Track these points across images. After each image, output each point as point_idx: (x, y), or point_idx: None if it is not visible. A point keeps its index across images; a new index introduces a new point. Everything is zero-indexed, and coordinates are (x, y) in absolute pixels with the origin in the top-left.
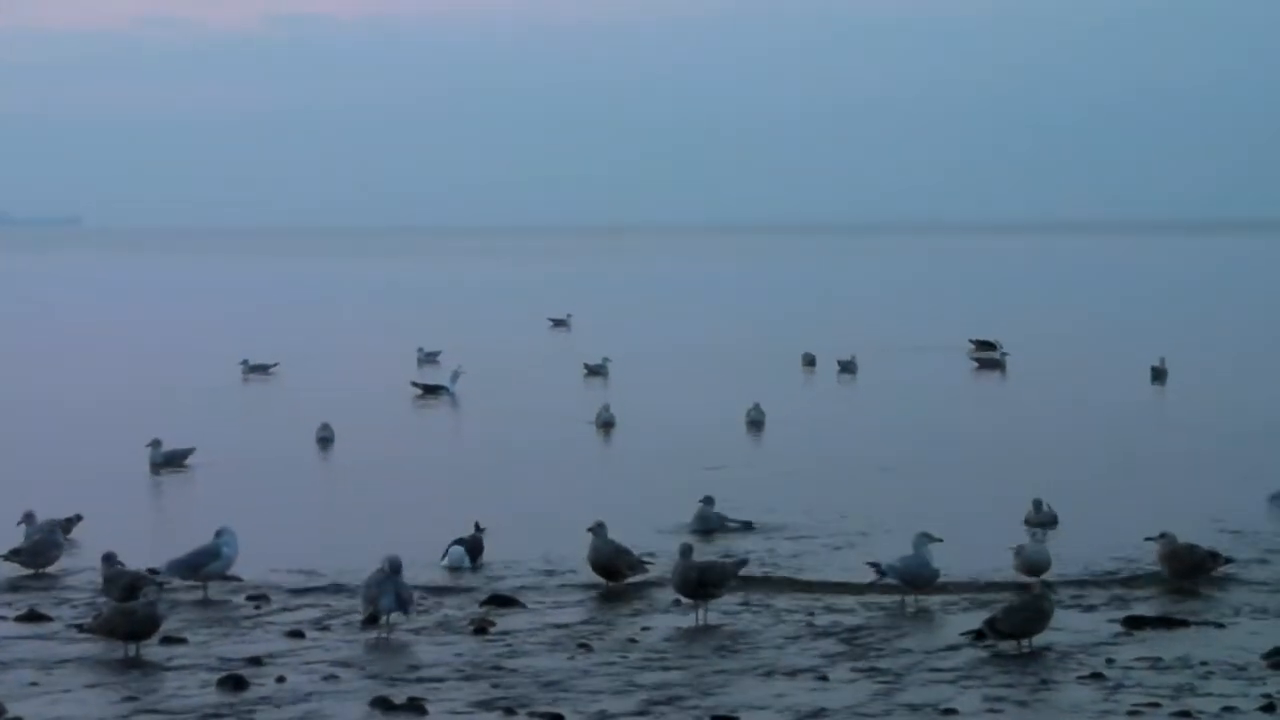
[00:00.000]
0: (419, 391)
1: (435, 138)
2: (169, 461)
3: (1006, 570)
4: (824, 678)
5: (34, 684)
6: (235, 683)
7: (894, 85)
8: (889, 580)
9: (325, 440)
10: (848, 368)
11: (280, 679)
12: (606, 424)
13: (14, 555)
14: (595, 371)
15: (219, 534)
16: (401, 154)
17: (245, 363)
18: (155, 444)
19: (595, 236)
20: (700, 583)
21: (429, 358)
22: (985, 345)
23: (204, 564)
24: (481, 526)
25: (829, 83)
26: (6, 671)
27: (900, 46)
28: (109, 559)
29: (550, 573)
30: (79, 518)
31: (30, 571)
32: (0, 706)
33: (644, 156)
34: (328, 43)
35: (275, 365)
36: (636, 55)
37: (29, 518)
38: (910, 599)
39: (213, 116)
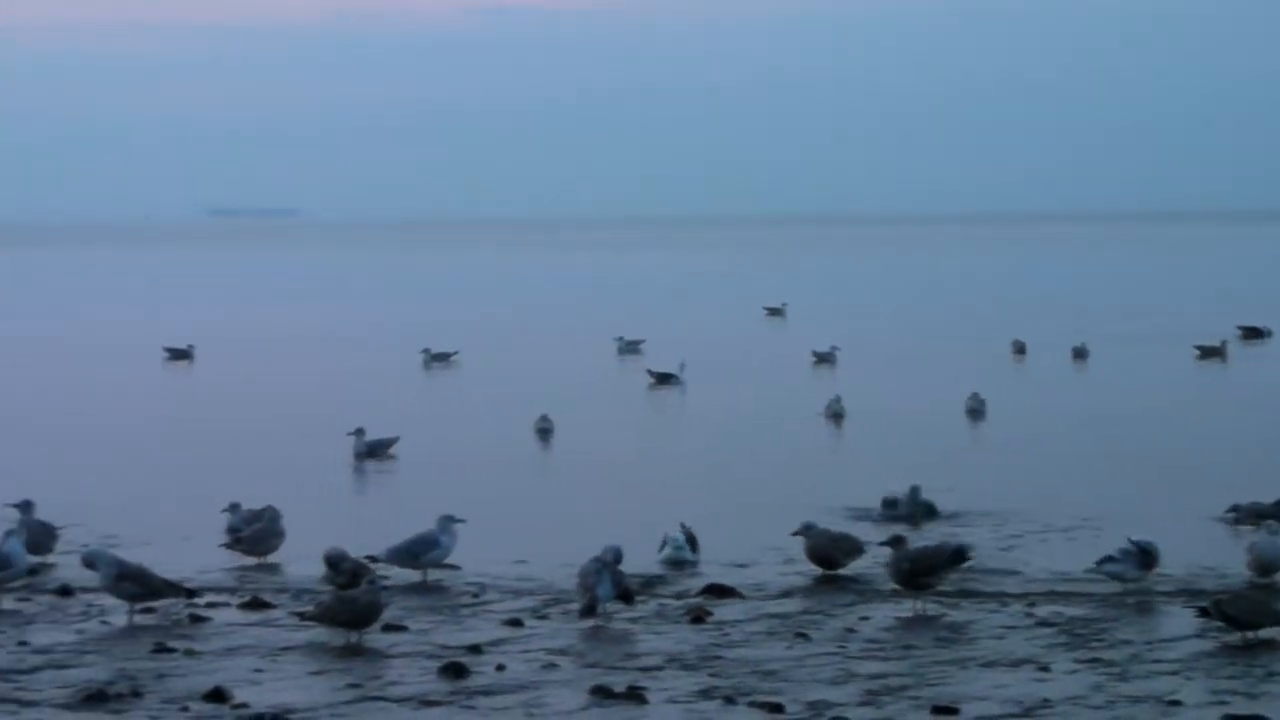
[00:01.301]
0: (653, 380)
1: (630, 129)
2: (372, 451)
3: (1236, 569)
4: (1045, 668)
5: (258, 671)
6: (456, 670)
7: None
8: (1113, 571)
9: (545, 431)
10: (1080, 353)
11: (500, 667)
12: (836, 415)
13: (236, 544)
14: (824, 359)
15: (440, 522)
16: (598, 145)
17: (427, 351)
18: (359, 433)
19: (805, 225)
20: (912, 573)
21: (630, 347)
22: (1253, 332)
23: (423, 552)
24: (687, 526)
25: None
26: (231, 658)
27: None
28: (332, 551)
29: (768, 562)
30: (271, 509)
31: (252, 560)
32: (227, 693)
33: (841, 144)
34: (532, 33)
35: (455, 354)
36: (839, 45)
37: (234, 507)
38: (1132, 587)
39: (420, 108)
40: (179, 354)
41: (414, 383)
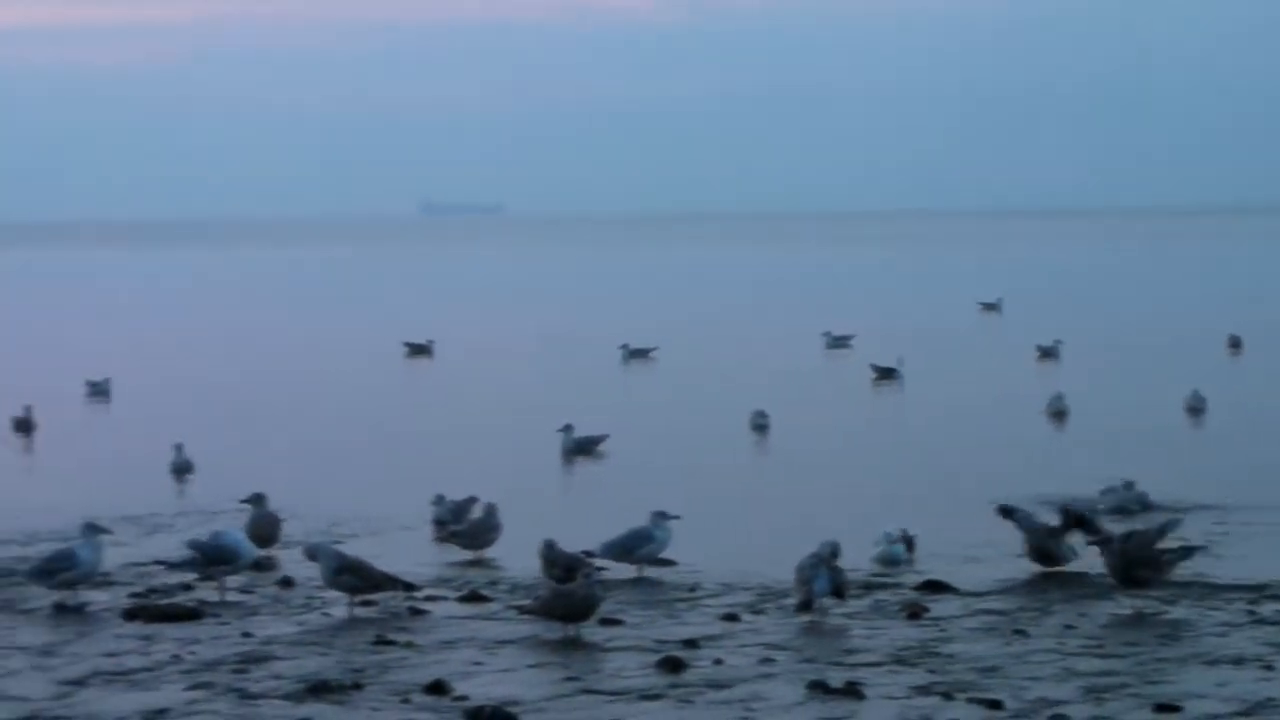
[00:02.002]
0: (874, 375)
1: (837, 123)
2: (581, 448)
3: None
4: (1269, 667)
5: (477, 663)
6: (673, 664)
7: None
8: None
9: (761, 427)
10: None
11: (717, 661)
12: (1059, 413)
13: (453, 537)
14: (1048, 354)
15: (653, 518)
16: (800, 140)
17: (625, 347)
18: (567, 429)
19: (1006, 219)
20: (1126, 570)
21: (838, 342)
22: None
23: (637, 547)
24: (906, 531)
25: None
26: (451, 651)
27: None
28: (548, 544)
29: (985, 558)
30: (474, 499)
31: (470, 554)
32: (447, 685)
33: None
34: (731, 26)
35: (654, 350)
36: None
37: (440, 499)
38: None
39: (624, 104)
40: (418, 349)
41: (614, 379)
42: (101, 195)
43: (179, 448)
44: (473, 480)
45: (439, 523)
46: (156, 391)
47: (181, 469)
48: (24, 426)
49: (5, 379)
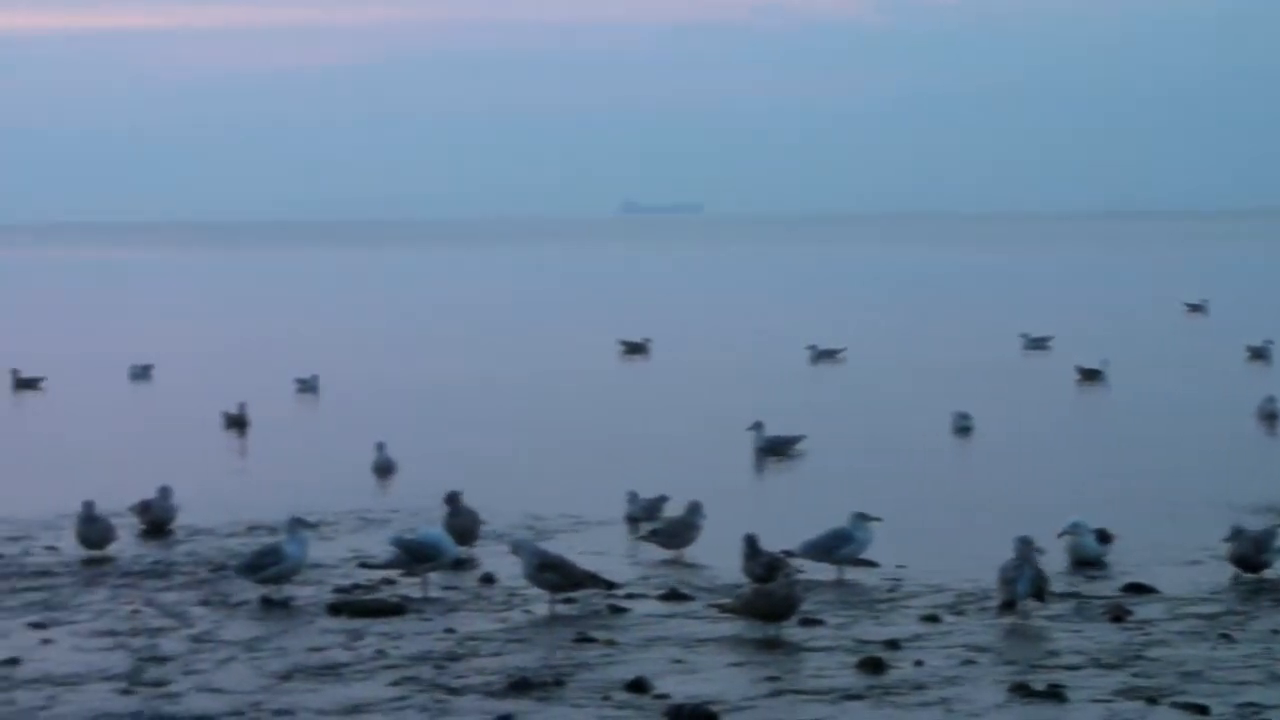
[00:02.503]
0: (1079, 376)
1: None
2: (774, 448)
3: None
4: None
5: (678, 661)
6: (874, 665)
7: None
8: None
9: (964, 429)
10: None
11: (918, 662)
12: (1270, 415)
13: (653, 536)
14: (1259, 355)
15: (853, 519)
16: (1000, 140)
17: (813, 348)
18: (758, 427)
19: (1210, 220)
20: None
21: (1036, 344)
22: None
23: (838, 547)
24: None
25: None
26: (651, 649)
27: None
28: (750, 540)
29: (1190, 561)
30: (665, 498)
31: (669, 553)
32: (648, 683)
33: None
34: (930, 27)
35: (843, 351)
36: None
37: (633, 496)
38: None
39: (823, 104)
40: (635, 348)
41: (801, 379)
42: (301, 196)
43: (381, 446)
44: (668, 478)
45: (632, 520)
46: (364, 388)
47: (383, 468)
48: (237, 423)
49: (220, 376)
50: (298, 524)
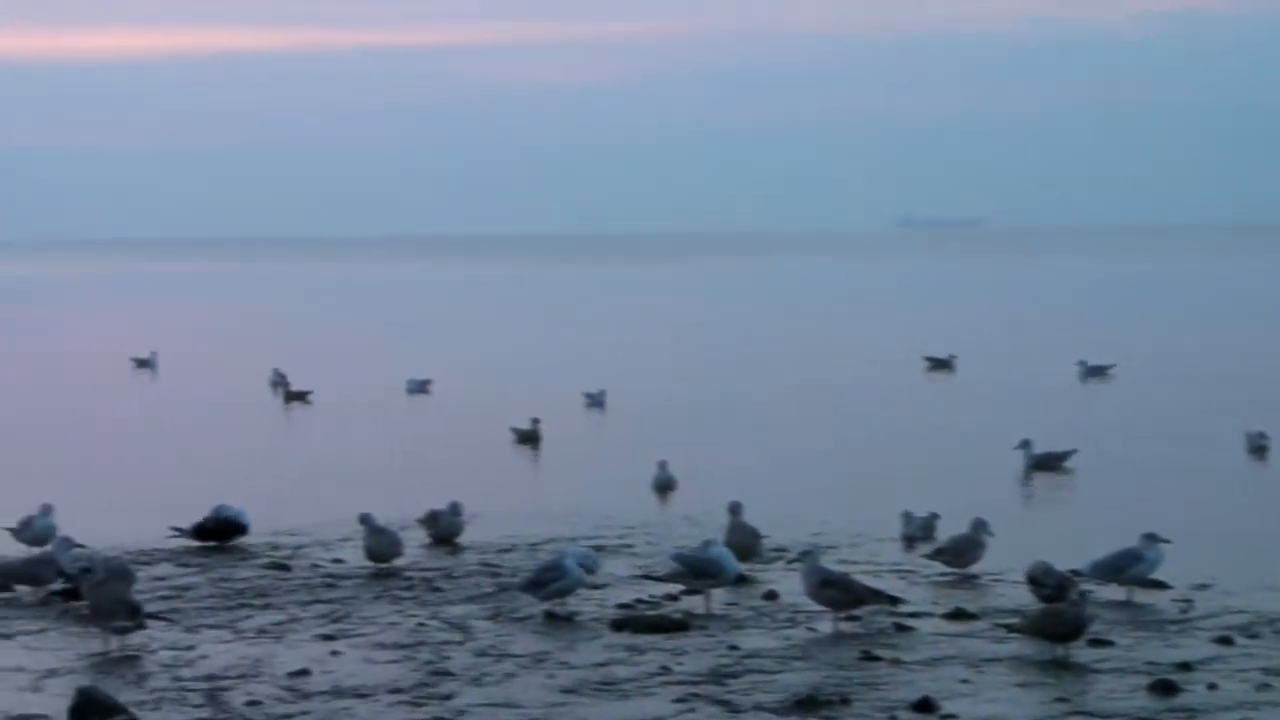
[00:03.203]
0: None
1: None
2: (1042, 464)
3: None
4: None
5: (965, 681)
6: (1165, 688)
7: None
8: None
9: (1260, 449)
10: None
11: (1211, 686)
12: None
13: (939, 554)
14: None
15: (1143, 540)
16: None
17: (1083, 364)
18: (1026, 445)
19: None
20: None
21: None
22: None
23: (1128, 567)
24: None
25: None
26: (938, 668)
27: None
28: (1039, 563)
29: None
30: (936, 516)
31: (954, 572)
32: (935, 703)
33: None
34: (1208, 36)
35: (1113, 366)
36: None
37: (908, 517)
38: None
39: (1103, 114)
40: (940, 364)
41: (1071, 395)
42: (559, 211)
43: (663, 465)
44: (941, 494)
45: (908, 540)
46: (650, 402)
47: (664, 486)
48: (530, 438)
49: (498, 390)
50: (577, 554)
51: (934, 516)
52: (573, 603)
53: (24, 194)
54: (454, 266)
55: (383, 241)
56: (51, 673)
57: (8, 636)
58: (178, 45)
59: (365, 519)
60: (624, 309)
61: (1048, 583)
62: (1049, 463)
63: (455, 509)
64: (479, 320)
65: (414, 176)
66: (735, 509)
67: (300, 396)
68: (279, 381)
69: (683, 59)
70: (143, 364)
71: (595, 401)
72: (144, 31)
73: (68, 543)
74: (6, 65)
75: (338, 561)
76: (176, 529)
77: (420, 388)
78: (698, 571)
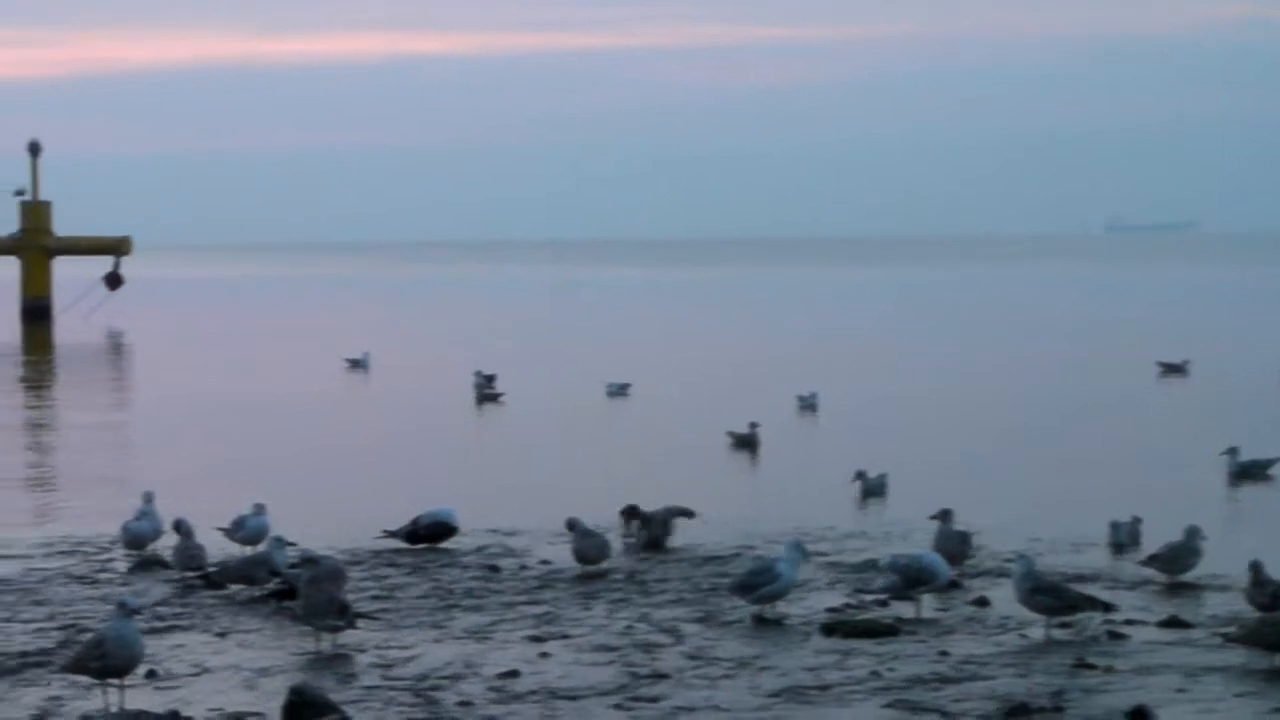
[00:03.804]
0: None
1: None
2: (1247, 472)
3: None
4: None
5: (1180, 691)
6: None
7: None
8: None
9: None
10: None
11: None
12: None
13: (1152, 561)
14: None
15: None
16: None
17: None
18: (1232, 452)
19: None
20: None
21: None
22: None
23: None
24: None
25: None
26: (1151, 677)
27: None
28: (1255, 566)
29: None
30: (1140, 520)
31: (1166, 578)
32: (1149, 712)
33: None
34: None
35: None
36: None
37: (1116, 526)
38: None
39: None
40: (1172, 369)
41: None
42: (778, 213)
43: (861, 475)
44: (1155, 500)
45: (1116, 547)
46: (862, 405)
47: (872, 491)
48: (747, 443)
49: (698, 394)
50: (796, 549)
51: (1137, 521)
52: (781, 606)
53: (265, 196)
54: (676, 270)
55: (597, 244)
56: (265, 671)
57: (222, 635)
58: (392, 49)
59: (573, 523)
60: (828, 312)
61: (1266, 589)
62: (1254, 470)
63: (669, 511)
64: (680, 324)
65: (633, 180)
66: (944, 516)
67: (493, 398)
68: (482, 384)
69: (890, 62)
70: (355, 364)
71: (807, 404)
72: (358, 36)
73: (281, 542)
74: (230, 69)
75: (546, 563)
76: (388, 532)
77: (620, 391)
78: (909, 577)
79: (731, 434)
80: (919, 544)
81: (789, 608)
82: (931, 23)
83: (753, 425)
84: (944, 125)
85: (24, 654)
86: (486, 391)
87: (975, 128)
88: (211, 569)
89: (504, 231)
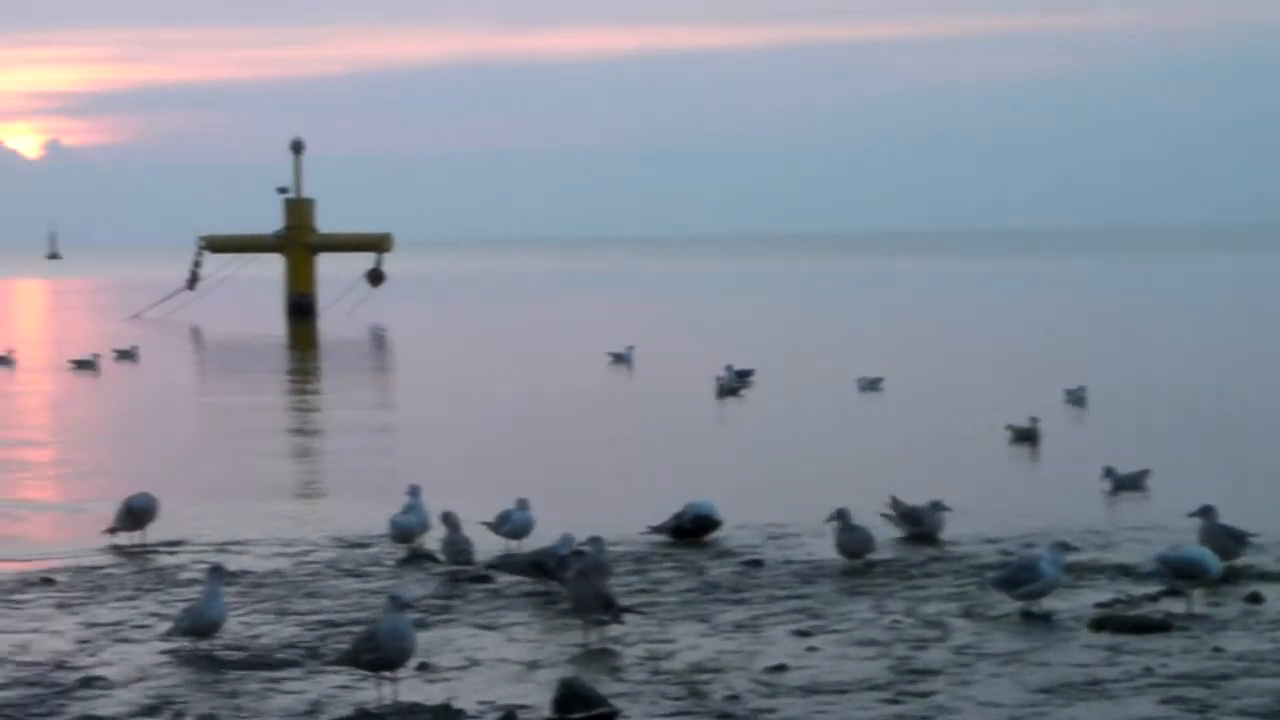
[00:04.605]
0: None
1: None
2: None
3: None
4: None
5: None
6: None
7: None
8: None
9: None
10: None
11: None
12: None
13: None
14: None
15: None
16: None
17: None
18: None
19: None
20: None
21: None
22: None
23: None
24: None
25: None
26: None
27: None
28: None
29: None
30: None
31: None
32: None
33: None
34: None
35: None
36: None
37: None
38: None
39: None
40: None
41: None
42: (1008, 203)
43: (1109, 471)
44: None
45: None
46: (1130, 399)
47: (1122, 486)
48: (1028, 436)
49: (974, 388)
50: (1060, 548)
51: None
52: (1049, 601)
53: (496, 192)
54: (944, 261)
55: (837, 237)
56: (534, 664)
57: (491, 628)
58: (642, 44)
59: (842, 513)
60: (1076, 304)
61: None
62: None
63: (936, 505)
64: (936, 315)
65: (865, 168)
66: (1205, 513)
67: (733, 392)
68: (729, 379)
69: (1110, 53)
70: (618, 358)
71: (1075, 398)
72: (610, 31)
73: (570, 539)
74: (480, 65)
75: (809, 557)
76: (653, 527)
77: (871, 385)
78: (1179, 572)
79: (1011, 427)
80: (1185, 541)
81: (1057, 603)
82: (1144, 13)
83: (1033, 419)
84: (1247, 112)
85: (296, 646)
86: (728, 385)
87: (1206, 117)
88: (498, 559)
89: (761, 225)
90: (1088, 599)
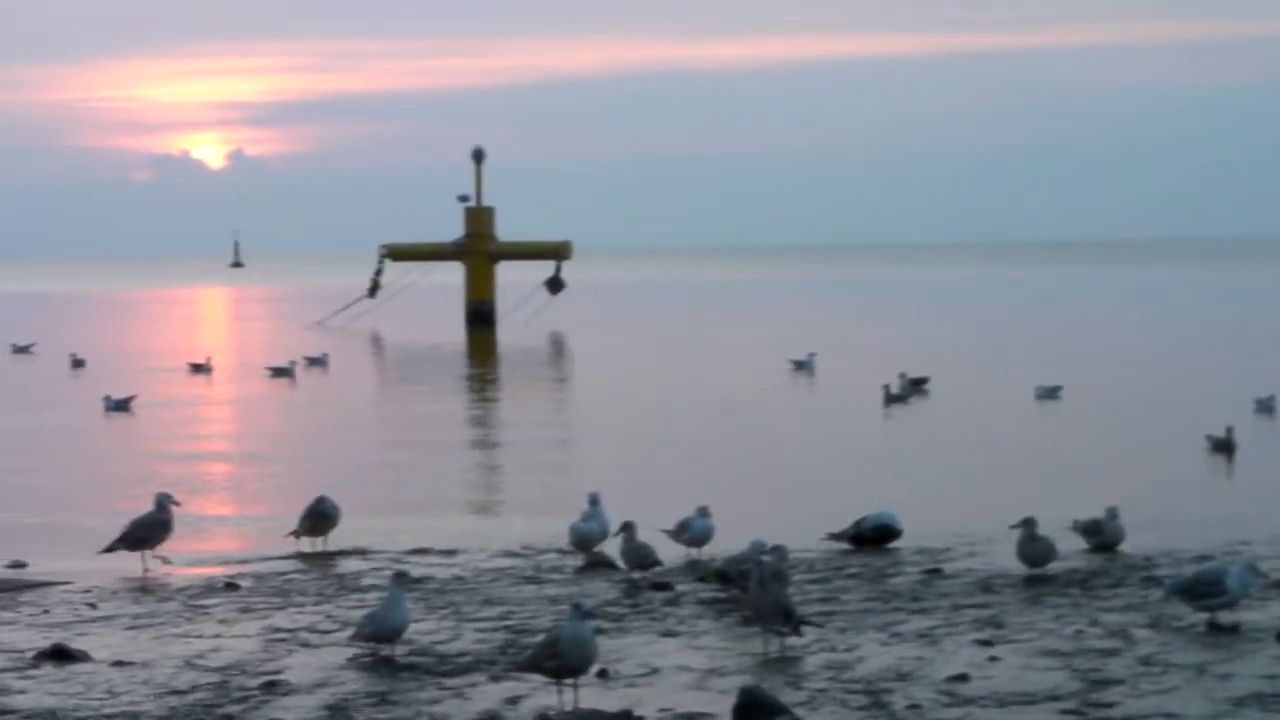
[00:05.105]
0: None
1: None
2: None
3: None
4: None
5: None
6: None
7: None
8: None
9: None
10: None
11: None
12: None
13: None
14: None
15: None
16: None
17: None
18: None
19: None
20: None
21: None
22: None
23: None
24: None
25: None
26: None
27: None
28: None
29: None
30: None
31: None
32: None
33: None
34: None
35: None
36: None
37: None
38: None
39: None
40: None
41: None
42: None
43: None
44: None
45: None
46: None
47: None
48: (1224, 447)
49: (1161, 401)
50: (1252, 570)
51: None
52: (1235, 614)
53: (671, 200)
54: (1124, 270)
55: (1026, 246)
56: (714, 672)
57: (670, 635)
58: (803, 52)
59: (1028, 521)
60: (1247, 312)
61: None
62: None
63: (1113, 513)
64: (1109, 327)
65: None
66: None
67: (902, 399)
68: (904, 386)
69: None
70: (800, 366)
71: (1264, 407)
72: (772, 40)
73: (761, 544)
74: (651, 75)
75: (990, 566)
76: (832, 534)
77: (1050, 394)
78: None
79: (1209, 437)
80: None
81: (1245, 614)
82: None
83: (1229, 429)
84: None
85: (477, 652)
86: (897, 394)
87: None
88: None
89: (927, 235)
90: (1275, 611)
